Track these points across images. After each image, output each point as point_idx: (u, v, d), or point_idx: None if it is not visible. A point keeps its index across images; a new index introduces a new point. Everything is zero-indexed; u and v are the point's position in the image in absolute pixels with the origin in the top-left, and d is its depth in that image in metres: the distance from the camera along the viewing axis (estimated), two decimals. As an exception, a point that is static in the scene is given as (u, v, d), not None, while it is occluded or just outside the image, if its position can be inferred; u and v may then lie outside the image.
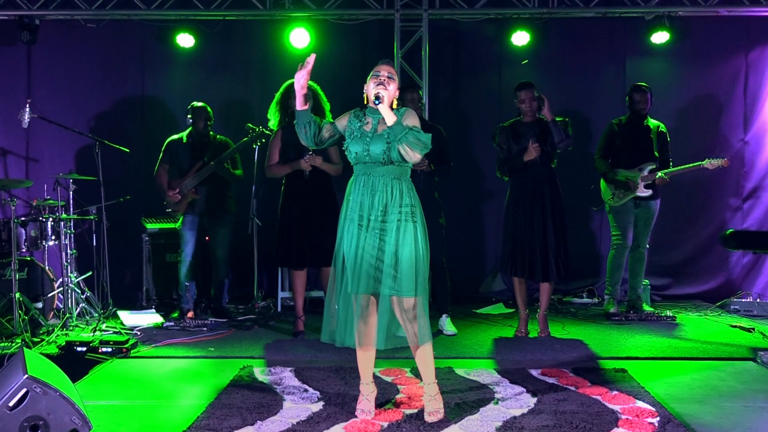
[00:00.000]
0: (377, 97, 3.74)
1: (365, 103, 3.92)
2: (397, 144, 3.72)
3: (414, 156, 3.73)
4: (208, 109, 6.49)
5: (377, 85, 3.79)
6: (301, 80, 3.80)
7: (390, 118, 3.73)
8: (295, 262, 5.83)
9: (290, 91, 5.73)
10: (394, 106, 3.86)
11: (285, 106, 5.83)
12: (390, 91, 3.80)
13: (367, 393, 3.92)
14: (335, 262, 3.88)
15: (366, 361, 3.92)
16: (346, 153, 3.90)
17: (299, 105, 3.86)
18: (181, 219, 6.46)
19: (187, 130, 6.50)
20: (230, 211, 6.59)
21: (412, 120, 3.79)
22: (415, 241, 3.75)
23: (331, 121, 4.03)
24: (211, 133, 6.54)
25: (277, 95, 5.89)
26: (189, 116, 6.46)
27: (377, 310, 3.82)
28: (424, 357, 3.84)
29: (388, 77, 3.82)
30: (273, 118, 5.92)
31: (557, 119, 5.57)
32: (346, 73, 7.19)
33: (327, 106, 5.82)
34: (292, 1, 7.26)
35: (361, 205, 3.78)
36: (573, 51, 7.58)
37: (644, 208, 6.55)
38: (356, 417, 3.83)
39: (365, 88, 3.90)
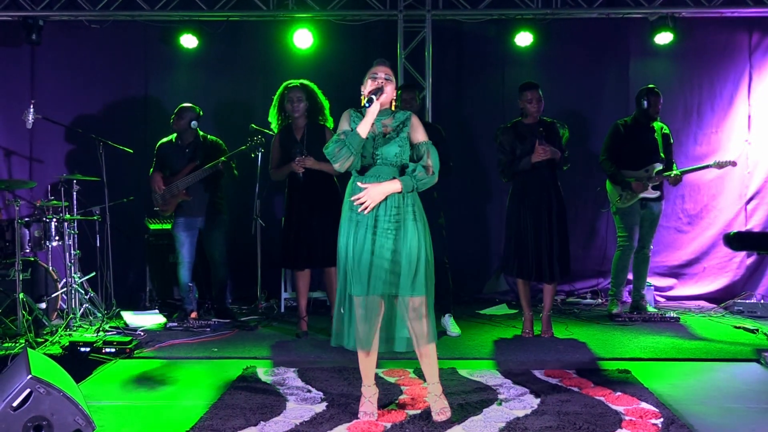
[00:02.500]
0: (368, 100, 3.68)
1: (362, 104, 3.86)
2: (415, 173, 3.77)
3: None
4: (197, 108, 6.47)
5: (373, 86, 3.76)
6: (375, 107, 3.69)
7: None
8: (296, 263, 5.82)
9: (285, 94, 5.75)
10: (393, 108, 3.87)
11: (282, 108, 5.83)
12: (388, 92, 3.78)
13: (370, 395, 3.91)
14: (339, 265, 3.84)
15: (369, 364, 3.90)
16: None
17: (365, 132, 3.70)
18: (173, 222, 6.46)
19: (175, 133, 6.50)
20: (223, 212, 6.58)
21: (420, 132, 3.84)
22: (424, 240, 3.76)
23: (338, 134, 3.79)
24: (201, 133, 6.53)
25: (275, 98, 5.87)
26: (174, 117, 6.44)
27: (382, 311, 3.79)
28: (429, 357, 3.84)
29: (386, 78, 3.80)
30: (273, 121, 5.93)
31: (560, 129, 5.66)
32: (349, 74, 7.17)
33: (326, 104, 5.82)
34: (296, 2, 7.26)
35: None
36: (576, 52, 7.57)
37: (650, 210, 6.54)
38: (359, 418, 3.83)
39: (362, 89, 3.89)
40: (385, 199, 3.74)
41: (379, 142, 3.79)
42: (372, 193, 3.69)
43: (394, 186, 3.71)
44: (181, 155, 6.42)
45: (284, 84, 5.83)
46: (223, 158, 6.26)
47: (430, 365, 3.85)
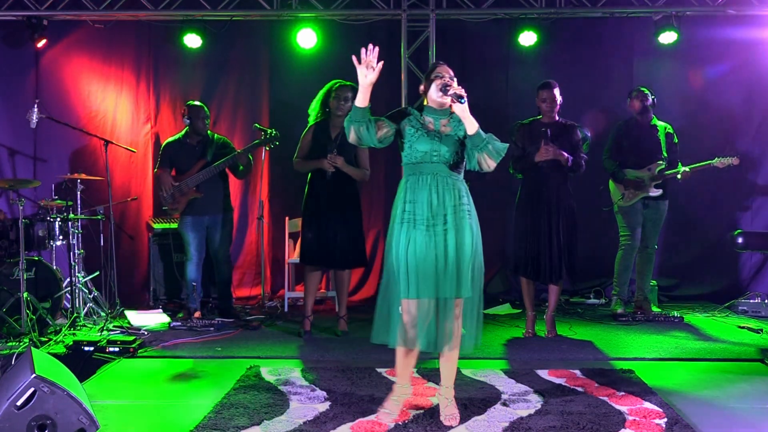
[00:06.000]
0: (461, 96, 3.61)
1: (424, 103, 3.87)
2: (476, 152, 3.68)
3: (491, 165, 3.71)
4: (205, 108, 6.50)
5: (445, 84, 3.71)
6: (369, 76, 3.61)
7: (472, 126, 3.64)
8: (311, 261, 5.82)
9: (333, 90, 5.71)
10: (452, 110, 3.77)
11: (325, 104, 5.78)
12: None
13: (400, 394, 3.87)
14: (390, 265, 3.76)
15: (409, 364, 3.85)
16: (407, 150, 3.79)
17: (364, 101, 3.66)
18: (180, 220, 6.47)
19: (184, 130, 6.50)
20: (229, 210, 6.59)
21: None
22: (478, 239, 3.78)
23: (382, 118, 3.82)
24: (209, 132, 6.54)
25: (321, 92, 5.81)
26: (185, 116, 6.45)
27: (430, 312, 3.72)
28: (452, 359, 3.82)
29: (450, 78, 3.76)
30: (312, 114, 5.88)
31: (581, 135, 5.70)
32: (352, 74, 7.15)
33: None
34: (299, 2, 7.25)
35: (430, 206, 3.70)
36: (580, 51, 7.56)
37: (653, 209, 6.53)
38: (364, 416, 3.82)
39: (422, 89, 3.87)
40: (442, 197, 3.71)
41: (442, 140, 3.76)
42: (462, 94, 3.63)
43: (473, 123, 3.64)
44: (191, 153, 6.42)
45: (335, 81, 5.76)
46: (239, 151, 6.29)
47: (450, 368, 3.84)
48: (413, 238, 3.69)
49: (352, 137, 3.75)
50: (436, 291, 3.67)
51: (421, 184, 3.74)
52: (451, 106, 3.70)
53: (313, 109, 5.85)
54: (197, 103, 6.49)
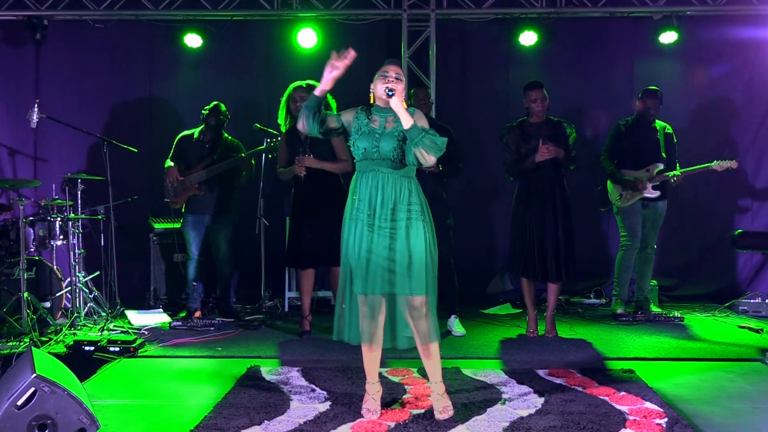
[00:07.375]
0: (390, 90, 3.69)
1: (371, 102, 3.91)
2: (413, 147, 3.69)
3: (429, 159, 3.70)
4: (222, 106, 6.52)
5: (386, 82, 3.78)
6: (334, 72, 3.73)
7: (407, 121, 3.67)
8: (300, 262, 5.83)
9: (293, 93, 5.75)
10: (404, 106, 3.83)
11: (289, 109, 5.82)
12: (398, 90, 3.76)
13: (373, 392, 3.93)
14: (342, 262, 3.86)
15: (373, 361, 3.91)
16: (352, 149, 3.87)
17: (321, 92, 3.77)
18: (182, 219, 6.49)
19: (200, 127, 6.52)
20: (232, 212, 6.61)
21: (421, 121, 3.77)
22: (424, 239, 3.75)
23: (336, 113, 3.95)
24: (224, 134, 6.56)
25: (283, 99, 5.87)
26: (204, 112, 6.47)
27: (386, 309, 3.81)
28: (431, 356, 3.84)
29: (396, 78, 3.80)
30: (281, 123, 5.94)
31: (566, 126, 5.67)
32: (353, 74, 7.11)
33: (333, 104, 5.82)
34: (300, 1, 7.26)
35: (370, 203, 3.75)
36: (580, 51, 7.56)
37: (652, 209, 6.53)
38: (363, 417, 3.83)
39: (372, 87, 3.90)
40: (382, 195, 3.74)
41: (382, 137, 3.79)
42: (396, 97, 3.70)
43: (407, 119, 3.67)
44: (200, 150, 6.46)
45: (292, 85, 5.82)
46: (243, 154, 6.32)
47: (432, 364, 3.86)
48: (360, 235, 3.75)
49: (300, 123, 3.84)
50: (382, 288, 3.71)
51: (364, 182, 3.80)
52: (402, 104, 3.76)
53: (281, 117, 5.91)
54: (215, 102, 6.55)
